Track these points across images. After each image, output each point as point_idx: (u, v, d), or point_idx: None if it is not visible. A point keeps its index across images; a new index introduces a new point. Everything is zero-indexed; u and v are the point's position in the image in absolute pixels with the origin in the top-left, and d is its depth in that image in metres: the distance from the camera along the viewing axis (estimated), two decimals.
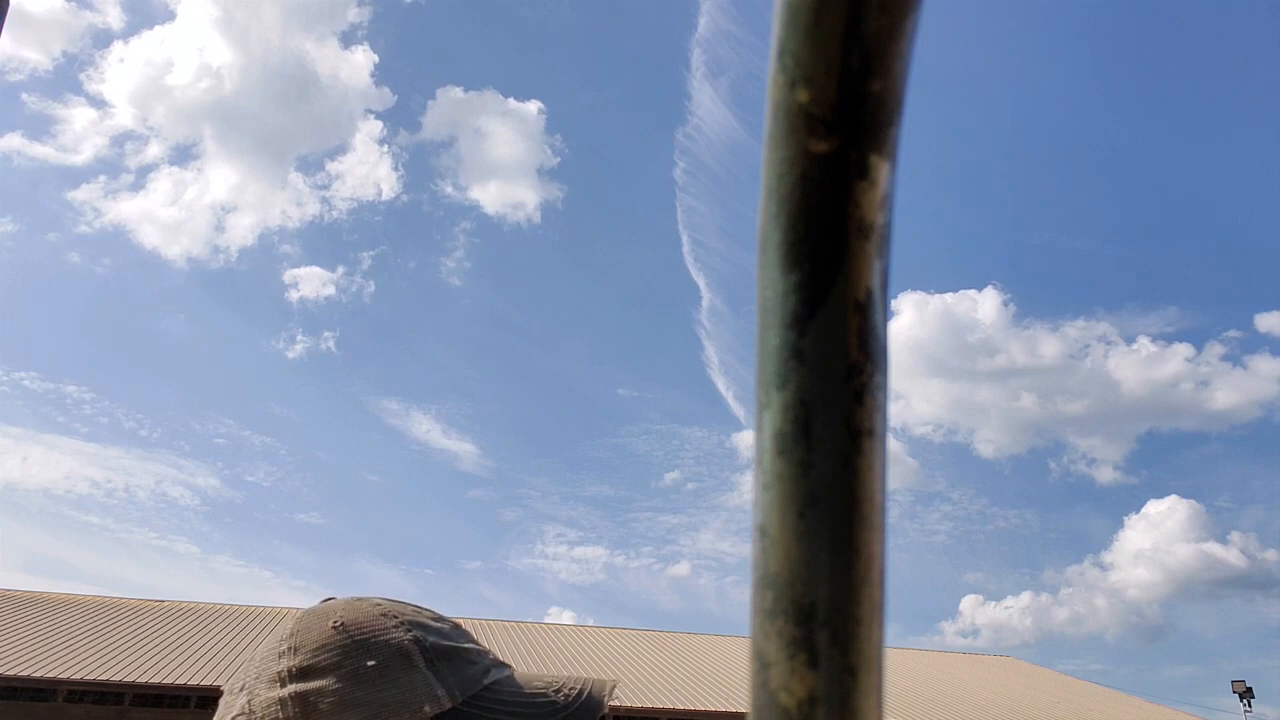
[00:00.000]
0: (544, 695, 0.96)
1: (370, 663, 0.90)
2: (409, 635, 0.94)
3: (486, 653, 1.00)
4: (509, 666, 1.02)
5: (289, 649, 0.93)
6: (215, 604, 24.28)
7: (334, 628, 0.93)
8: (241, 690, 0.93)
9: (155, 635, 20.51)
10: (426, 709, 0.89)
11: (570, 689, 0.98)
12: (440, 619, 1.00)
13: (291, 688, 0.89)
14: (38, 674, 17.10)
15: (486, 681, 0.95)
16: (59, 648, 18.64)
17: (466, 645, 0.98)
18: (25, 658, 17.78)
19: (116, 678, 17.38)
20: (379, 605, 0.98)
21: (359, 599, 1.00)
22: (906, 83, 0.28)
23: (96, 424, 48.10)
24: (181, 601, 24.18)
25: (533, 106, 61.74)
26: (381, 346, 57.15)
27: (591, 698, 0.98)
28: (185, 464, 47.37)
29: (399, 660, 0.91)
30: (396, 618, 0.96)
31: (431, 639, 0.95)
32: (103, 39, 57.21)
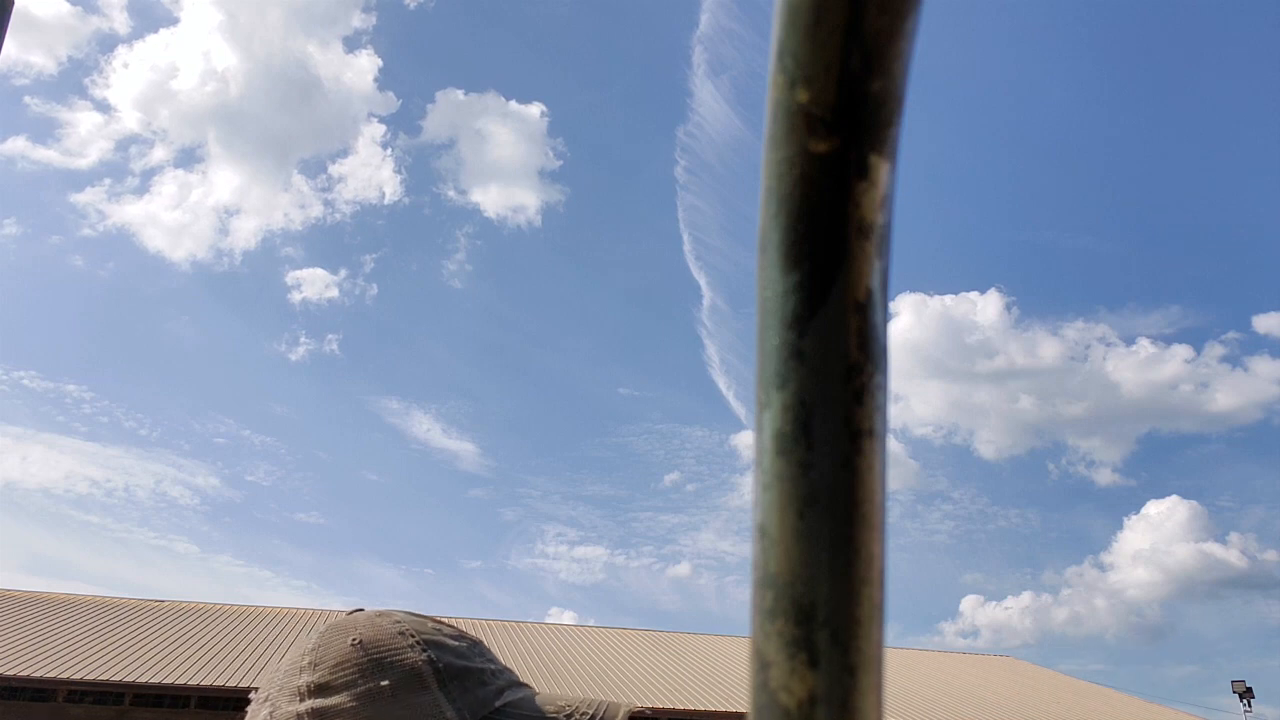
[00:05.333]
0: (555, 719, 0.97)
1: (384, 682, 0.93)
2: (424, 656, 0.96)
3: (503, 672, 1.02)
4: (528, 687, 1.03)
5: (310, 664, 0.96)
6: (215, 604, 24.27)
7: (353, 645, 0.97)
8: (265, 701, 0.97)
9: (155, 635, 20.51)
10: None
11: (583, 713, 0.99)
12: (460, 637, 1.03)
13: (310, 703, 0.93)
14: (38, 674, 17.10)
15: (498, 703, 0.97)
16: (59, 648, 18.64)
17: (481, 666, 1.00)
18: (25, 658, 17.78)
19: (116, 678, 17.37)
20: (399, 623, 1.00)
21: (382, 613, 1.02)
22: (906, 83, 0.28)
23: (96, 423, 48.12)
24: (181, 601, 24.18)
25: (534, 109, 61.77)
26: (384, 348, 57.18)
27: None
28: (185, 463, 47.41)
29: (412, 681, 0.94)
30: (414, 636, 0.98)
31: (446, 659, 0.97)
32: (108, 43, 57.31)
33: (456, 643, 1.01)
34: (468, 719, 0.93)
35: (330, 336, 54.27)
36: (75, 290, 53.35)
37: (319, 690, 0.93)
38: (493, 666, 1.01)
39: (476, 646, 1.03)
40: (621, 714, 1.01)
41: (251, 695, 1.00)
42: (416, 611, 1.05)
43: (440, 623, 1.04)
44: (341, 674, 0.94)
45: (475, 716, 0.94)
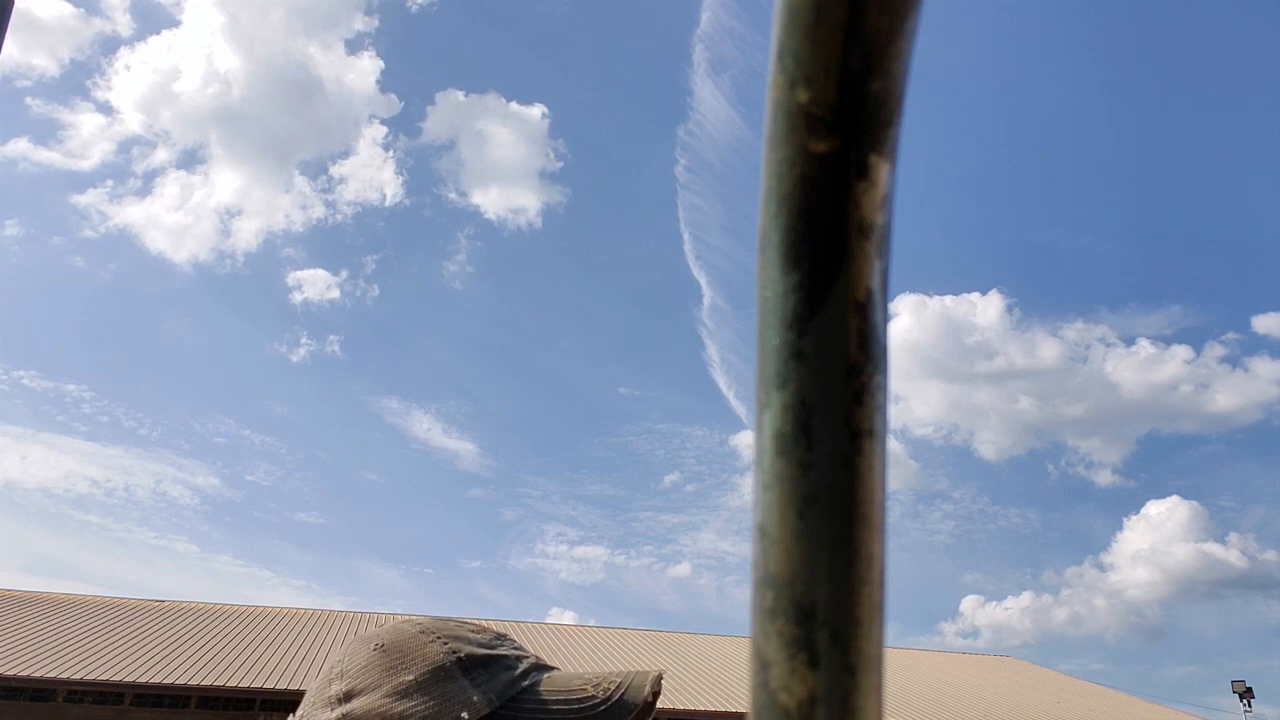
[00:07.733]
0: (582, 692, 1.00)
1: (409, 677, 0.97)
2: (445, 649, 1.01)
3: (526, 656, 1.05)
4: (552, 668, 1.06)
5: (338, 674, 1.01)
6: (215, 604, 24.27)
7: (375, 649, 1.01)
8: (301, 718, 1.01)
9: (155, 635, 20.51)
10: (464, 716, 0.95)
11: (609, 684, 1.01)
12: (481, 630, 1.07)
13: (341, 709, 0.97)
14: (38, 674, 17.10)
15: (524, 685, 1.00)
16: (59, 648, 18.64)
17: (504, 652, 1.04)
18: (25, 658, 17.78)
19: (116, 678, 17.37)
20: (419, 624, 1.05)
21: (403, 620, 1.07)
22: (906, 83, 0.28)
23: (96, 423, 48.09)
24: (181, 601, 24.18)
25: (535, 110, 61.76)
26: (384, 349, 57.18)
27: (630, 691, 1.01)
28: (185, 463, 47.39)
29: (436, 673, 0.98)
30: (435, 634, 1.03)
31: (468, 650, 1.01)
32: (110, 45, 57.30)
33: (477, 635, 1.05)
34: (494, 701, 0.97)
35: (331, 337, 54.32)
36: (76, 291, 53.38)
37: (348, 696, 0.98)
38: (516, 652, 1.05)
39: (501, 637, 1.07)
40: (649, 683, 1.03)
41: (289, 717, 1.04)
42: (440, 616, 1.09)
43: (464, 622, 1.08)
44: (367, 677, 0.98)
45: (503, 698, 0.97)
